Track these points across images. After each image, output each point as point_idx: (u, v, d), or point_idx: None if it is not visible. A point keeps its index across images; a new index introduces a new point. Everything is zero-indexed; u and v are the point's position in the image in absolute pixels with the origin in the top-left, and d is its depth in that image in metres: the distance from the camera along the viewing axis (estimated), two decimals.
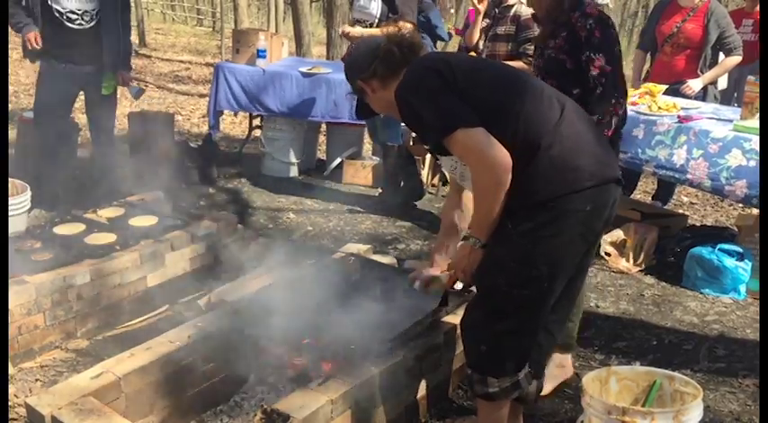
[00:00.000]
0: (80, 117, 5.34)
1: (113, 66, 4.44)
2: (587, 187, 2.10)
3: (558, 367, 2.95)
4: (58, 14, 4.22)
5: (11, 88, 8.71)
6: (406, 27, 2.38)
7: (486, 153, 2.04)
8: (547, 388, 2.88)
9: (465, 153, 2.10)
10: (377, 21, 4.74)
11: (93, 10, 4.30)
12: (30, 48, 4.21)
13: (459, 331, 2.40)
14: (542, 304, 2.20)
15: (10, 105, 7.80)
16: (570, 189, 2.08)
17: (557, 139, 2.10)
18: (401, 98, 2.20)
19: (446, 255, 2.59)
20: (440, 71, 2.16)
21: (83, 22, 4.28)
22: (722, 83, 5.54)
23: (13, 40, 12.24)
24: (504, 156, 2.03)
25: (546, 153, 2.08)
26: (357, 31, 4.75)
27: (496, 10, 4.24)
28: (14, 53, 11.00)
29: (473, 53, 4.42)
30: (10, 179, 3.99)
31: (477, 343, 2.26)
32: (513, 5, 4.27)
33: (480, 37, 4.45)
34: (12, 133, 5.81)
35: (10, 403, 2.67)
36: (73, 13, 4.25)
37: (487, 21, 4.39)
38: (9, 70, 9.60)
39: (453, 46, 10.23)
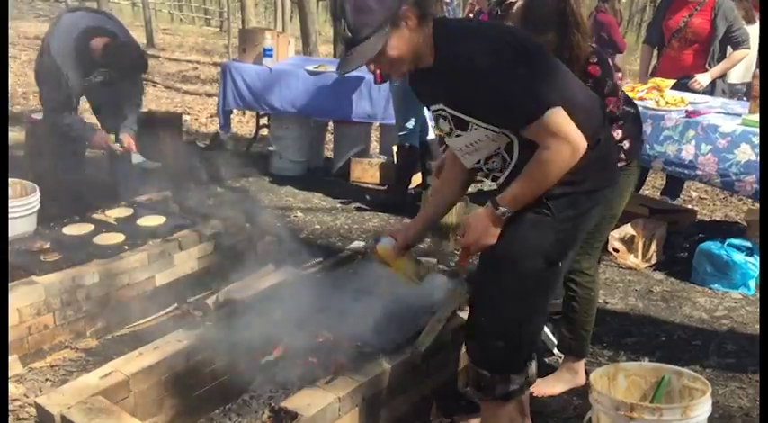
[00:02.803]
0: (89, 117, 5.35)
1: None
2: (616, 181, 2.33)
3: (571, 372, 2.93)
4: None
5: (20, 89, 8.77)
6: None
7: (573, 134, 1.99)
8: (556, 390, 2.87)
9: (551, 133, 1.98)
10: None
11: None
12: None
13: (467, 336, 2.32)
14: (557, 281, 2.29)
15: (19, 106, 7.85)
16: (610, 182, 2.25)
17: (607, 135, 2.24)
18: (479, 72, 1.98)
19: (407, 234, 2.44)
20: (521, 48, 2.04)
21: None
22: (733, 77, 5.51)
23: (18, 41, 12.33)
24: (583, 139, 2.01)
25: (601, 147, 2.14)
26: None
27: (498, 9, 4.23)
28: (23, 55, 11.09)
29: None
30: (19, 180, 4.01)
31: (496, 339, 2.18)
32: (515, 3, 4.26)
33: None
34: (20, 134, 5.84)
35: (20, 403, 2.69)
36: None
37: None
38: (19, 71, 9.70)
39: None
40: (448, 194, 2.46)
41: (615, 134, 2.65)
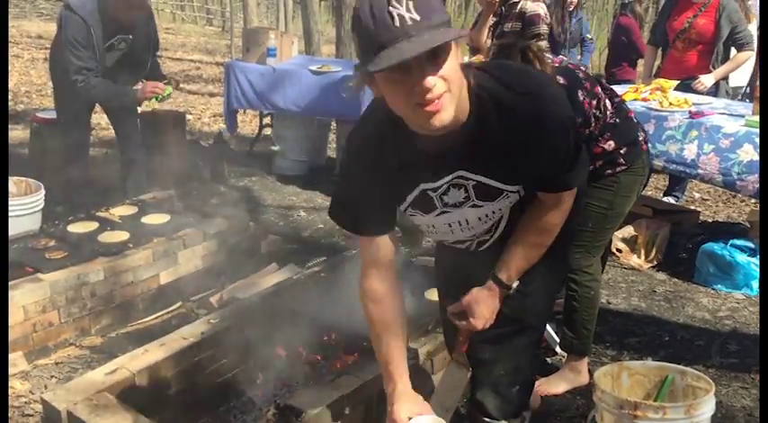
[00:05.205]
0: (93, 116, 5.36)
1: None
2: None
3: (574, 371, 2.93)
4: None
5: (23, 88, 8.78)
6: None
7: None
8: (559, 389, 2.88)
9: (568, 198, 1.84)
10: None
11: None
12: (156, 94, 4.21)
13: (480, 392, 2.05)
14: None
15: (22, 105, 7.87)
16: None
17: None
18: (562, 127, 1.67)
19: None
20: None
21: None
22: (736, 80, 5.51)
23: (21, 40, 12.35)
24: None
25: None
26: None
27: (503, 8, 4.23)
28: (26, 54, 11.10)
29: (480, 57, 4.35)
30: (24, 178, 4.02)
31: (513, 388, 2.03)
32: (518, 2, 4.27)
33: (488, 35, 4.42)
34: (24, 133, 5.86)
35: (25, 399, 2.70)
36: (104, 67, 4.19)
37: (494, 19, 4.36)
38: (22, 70, 9.71)
39: None
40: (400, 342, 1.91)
41: (607, 146, 2.64)
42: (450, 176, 1.70)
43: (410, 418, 1.78)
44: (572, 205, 1.86)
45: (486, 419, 2.05)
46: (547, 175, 1.73)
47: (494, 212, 1.79)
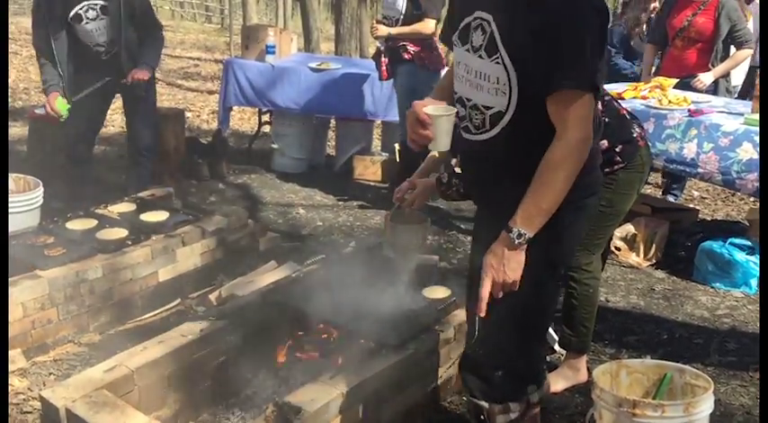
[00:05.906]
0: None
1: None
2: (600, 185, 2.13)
3: (573, 369, 2.94)
4: (86, 46, 4.13)
5: (21, 85, 8.77)
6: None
7: (589, 130, 1.81)
8: (558, 387, 2.88)
9: (580, 117, 1.78)
10: (402, 17, 4.71)
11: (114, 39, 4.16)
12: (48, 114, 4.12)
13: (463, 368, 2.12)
14: (552, 303, 2.16)
15: (20, 102, 7.86)
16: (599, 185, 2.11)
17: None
18: (576, 11, 1.76)
19: None
20: (605, 22, 1.86)
21: (109, 50, 4.18)
22: (736, 79, 5.51)
23: (20, 37, 12.32)
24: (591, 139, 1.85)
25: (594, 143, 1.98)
26: (383, 30, 4.73)
27: None
28: (24, 51, 11.08)
29: None
30: (22, 175, 4.02)
31: (495, 370, 2.05)
32: None
33: None
34: (23, 130, 5.85)
35: (24, 396, 2.70)
36: (99, 45, 4.14)
37: None
38: (20, 67, 9.70)
39: None
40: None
41: (600, 145, 2.63)
42: (486, 14, 1.87)
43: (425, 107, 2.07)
44: (582, 165, 1.80)
45: (472, 398, 2.11)
46: (545, 61, 1.76)
47: (483, 76, 1.88)
